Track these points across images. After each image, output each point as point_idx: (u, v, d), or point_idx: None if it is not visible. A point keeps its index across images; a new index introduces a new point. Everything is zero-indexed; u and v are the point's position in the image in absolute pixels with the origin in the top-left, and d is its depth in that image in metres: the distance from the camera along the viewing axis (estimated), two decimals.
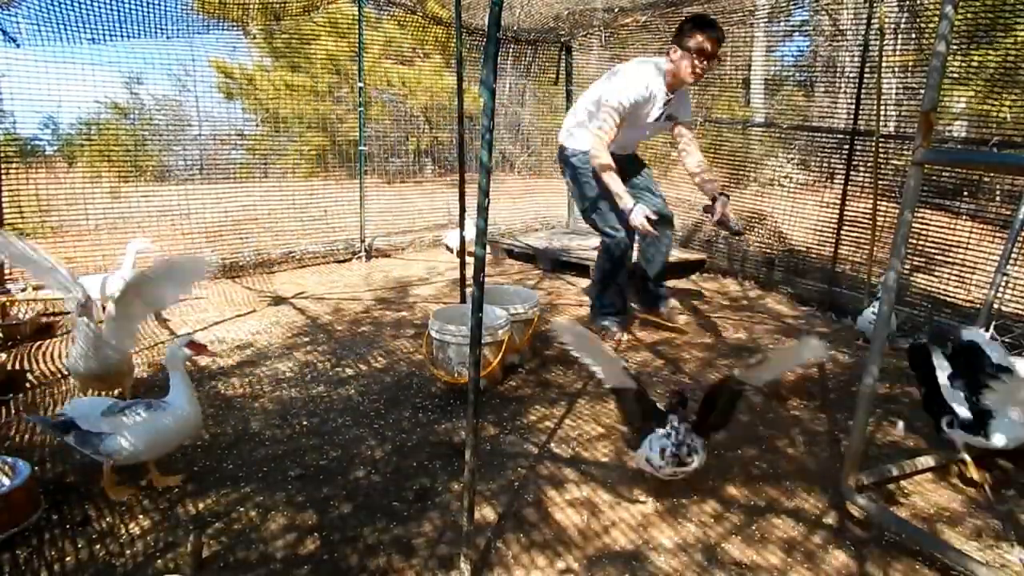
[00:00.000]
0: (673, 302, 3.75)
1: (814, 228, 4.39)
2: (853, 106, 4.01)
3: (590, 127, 3.22)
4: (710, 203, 3.13)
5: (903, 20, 4.68)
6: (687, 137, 3.39)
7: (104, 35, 4.18)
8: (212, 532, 1.82)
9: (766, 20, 5.37)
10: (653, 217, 3.03)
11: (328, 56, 6.27)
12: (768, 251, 4.68)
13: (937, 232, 3.68)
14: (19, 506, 1.81)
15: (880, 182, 3.58)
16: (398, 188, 6.63)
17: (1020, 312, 3.06)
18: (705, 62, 3.03)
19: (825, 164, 4.69)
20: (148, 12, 4.33)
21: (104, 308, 3.67)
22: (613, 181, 3.09)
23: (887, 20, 3.81)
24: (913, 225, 2.03)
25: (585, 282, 4.62)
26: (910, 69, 4.58)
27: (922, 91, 1.73)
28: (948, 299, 3.55)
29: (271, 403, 2.65)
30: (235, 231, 5.13)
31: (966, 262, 3.52)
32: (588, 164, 3.25)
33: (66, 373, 2.94)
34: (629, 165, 3.48)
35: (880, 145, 3.54)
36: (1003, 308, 2.98)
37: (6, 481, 1.86)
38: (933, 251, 3.70)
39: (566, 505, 1.97)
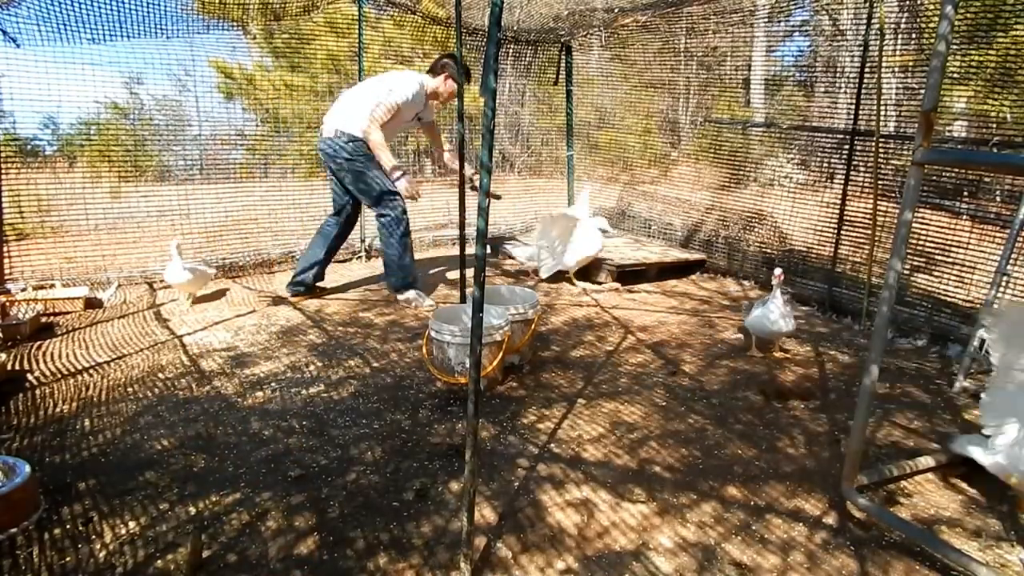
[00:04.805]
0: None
1: (814, 228, 4.39)
2: (853, 106, 4.01)
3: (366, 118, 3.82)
4: (469, 177, 3.90)
5: (903, 20, 4.68)
6: (435, 130, 4.36)
7: (104, 35, 4.18)
8: (212, 532, 1.82)
9: (766, 20, 5.37)
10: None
11: (328, 56, 6.27)
12: (768, 251, 4.68)
13: (937, 232, 3.67)
14: (19, 506, 1.81)
15: (880, 182, 3.58)
16: None
17: None
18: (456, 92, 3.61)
19: (825, 164, 4.69)
20: (148, 12, 4.33)
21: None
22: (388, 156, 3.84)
23: (887, 20, 3.81)
24: (913, 225, 2.03)
25: (585, 282, 4.62)
26: (910, 69, 4.58)
27: (922, 91, 1.73)
28: (948, 299, 3.55)
29: (271, 403, 2.66)
30: (235, 231, 5.13)
31: (966, 262, 3.52)
32: (360, 150, 3.85)
33: (66, 373, 2.94)
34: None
35: (880, 145, 3.54)
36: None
37: (6, 481, 1.86)
38: (933, 251, 3.70)
39: (566, 505, 1.97)
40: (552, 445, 2.33)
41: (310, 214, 5.75)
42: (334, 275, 4.86)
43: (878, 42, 3.51)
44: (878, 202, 3.53)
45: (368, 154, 3.85)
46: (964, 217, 3.88)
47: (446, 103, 4.25)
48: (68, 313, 3.79)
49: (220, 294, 4.27)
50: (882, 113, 3.56)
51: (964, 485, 2.10)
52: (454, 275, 4.67)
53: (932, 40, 2.17)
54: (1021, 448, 1.80)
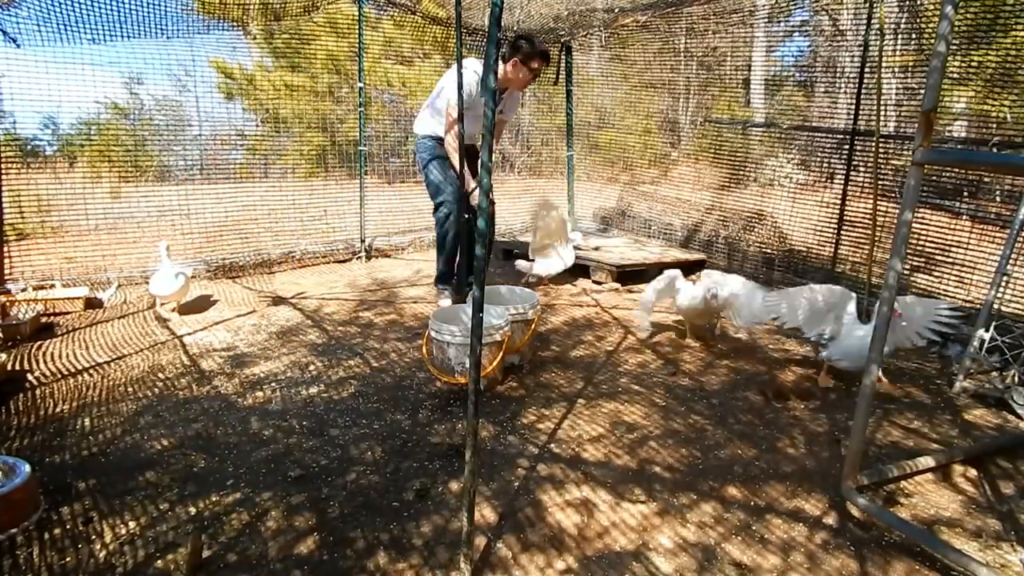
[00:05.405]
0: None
1: (814, 228, 4.39)
2: (853, 106, 4.01)
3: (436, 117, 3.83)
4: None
5: (903, 20, 4.68)
6: (498, 133, 4.11)
7: (104, 35, 4.19)
8: (212, 532, 1.82)
9: (766, 20, 5.37)
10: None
11: (328, 56, 6.28)
12: (768, 251, 4.68)
13: (937, 232, 3.67)
14: (19, 506, 1.81)
15: (880, 182, 3.58)
16: (398, 188, 6.63)
17: (1020, 312, 3.06)
18: (534, 77, 3.83)
19: (825, 164, 4.69)
20: (148, 12, 4.33)
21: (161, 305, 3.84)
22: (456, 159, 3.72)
23: (887, 20, 3.81)
24: (913, 225, 2.03)
25: (585, 282, 4.63)
26: (910, 69, 4.58)
27: (922, 91, 1.73)
28: (948, 299, 3.54)
29: (271, 403, 2.66)
30: (235, 231, 5.13)
31: (966, 262, 3.52)
32: (427, 147, 3.88)
33: (66, 373, 2.94)
34: (469, 154, 3.93)
35: (880, 145, 3.54)
36: (1003, 308, 2.98)
37: (6, 481, 1.85)
38: (933, 251, 3.70)
39: (566, 505, 1.97)
40: (552, 445, 2.33)
41: (310, 214, 5.76)
42: (334, 275, 4.87)
43: (878, 42, 3.51)
44: (878, 202, 3.53)
45: (432, 153, 3.83)
46: (964, 217, 3.88)
47: (523, 89, 4.00)
48: (68, 313, 3.79)
49: (205, 301, 4.26)
50: (882, 113, 3.56)
51: (964, 485, 2.10)
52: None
53: (932, 40, 2.17)
54: None
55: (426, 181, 3.92)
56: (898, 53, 4.62)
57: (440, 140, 3.86)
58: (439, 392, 2.78)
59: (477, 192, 3.74)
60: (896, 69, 4.69)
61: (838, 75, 5.00)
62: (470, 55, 5.57)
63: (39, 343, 3.31)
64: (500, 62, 3.76)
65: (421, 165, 3.92)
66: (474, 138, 3.94)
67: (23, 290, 3.95)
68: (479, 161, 3.95)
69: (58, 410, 2.58)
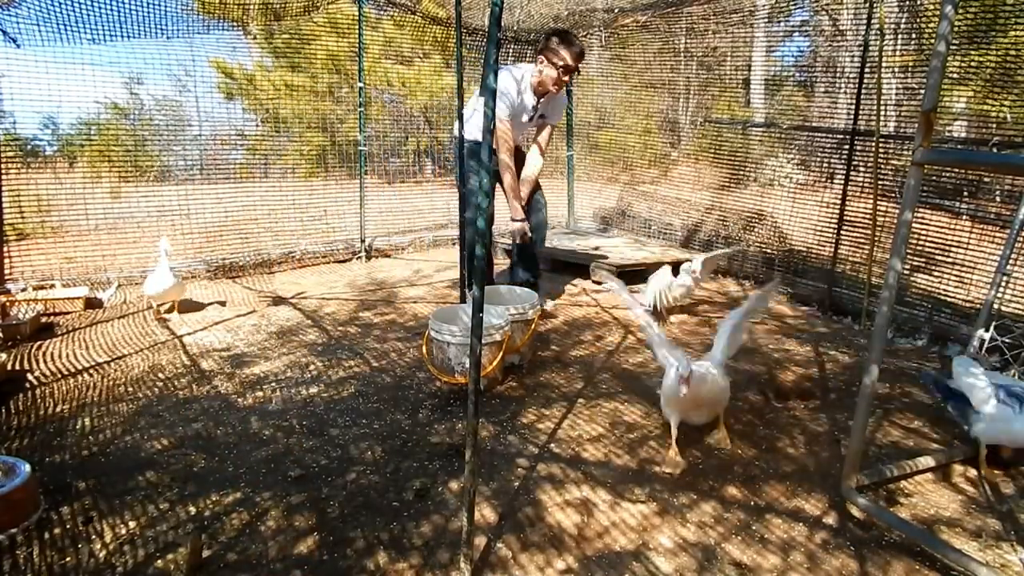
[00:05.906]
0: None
1: (814, 228, 4.39)
2: (853, 106, 4.01)
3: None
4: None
5: (903, 20, 4.69)
6: (543, 136, 3.78)
7: (104, 35, 4.19)
8: (212, 532, 1.82)
9: (766, 20, 5.38)
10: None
11: (328, 56, 6.28)
12: (768, 251, 4.68)
13: (937, 232, 3.67)
14: (19, 506, 1.82)
15: (880, 182, 3.58)
16: (398, 188, 6.63)
17: (1020, 312, 3.05)
18: (567, 76, 3.52)
19: (825, 164, 4.69)
20: (148, 12, 4.33)
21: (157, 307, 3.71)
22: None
23: (887, 20, 3.82)
24: (913, 225, 2.03)
25: (585, 282, 4.63)
26: (910, 69, 4.58)
27: (922, 91, 1.73)
28: (948, 299, 3.55)
29: (271, 403, 2.66)
30: (235, 231, 5.13)
31: (966, 262, 3.52)
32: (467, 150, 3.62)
33: (66, 373, 2.94)
34: (516, 159, 3.76)
35: (880, 145, 3.54)
36: (1003, 308, 2.98)
37: (6, 481, 1.85)
38: (933, 251, 3.70)
39: (566, 505, 1.97)
40: (552, 445, 2.33)
41: (310, 214, 5.76)
42: (333, 275, 4.87)
43: (878, 42, 3.52)
44: (878, 202, 3.53)
45: (471, 155, 3.50)
46: (964, 217, 3.88)
47: (560, 87, 3.61)
48: (68, 313, 3.79)
49: (204, 301, 4.26)
50: (882, 113, 3.56)
51: (964, 485, 2.10)
52: (454, 275, 4.67)
53: (932, 40, 2.17)
54: None
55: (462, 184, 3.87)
56: (898, 53, 4.62)
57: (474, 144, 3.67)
58: (439, 392, 2.78)
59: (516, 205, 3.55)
60: (896, 69, 4.69)
61: (838, 75, 5.00)
62: (469, 55, 5.57)
63: (39, 343, 3.31)
64: (533, 64, 3.62)
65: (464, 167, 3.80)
66: (518, 142, 3.84)
67: (23, 290, 3.95)
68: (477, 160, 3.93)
69: (58, 410, 2.58)
